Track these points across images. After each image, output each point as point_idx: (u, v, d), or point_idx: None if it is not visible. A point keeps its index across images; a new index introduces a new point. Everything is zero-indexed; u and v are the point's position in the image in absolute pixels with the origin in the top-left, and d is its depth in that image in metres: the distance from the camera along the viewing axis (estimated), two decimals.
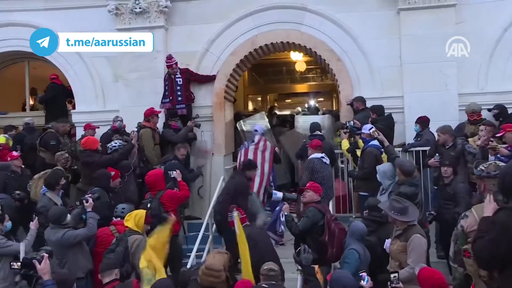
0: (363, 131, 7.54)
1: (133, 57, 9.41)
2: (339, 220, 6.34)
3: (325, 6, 9.11)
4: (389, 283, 4.62)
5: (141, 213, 5.89)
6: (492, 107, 8.20)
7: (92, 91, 9.80)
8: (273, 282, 4.54)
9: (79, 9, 9.80)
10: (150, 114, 8.70)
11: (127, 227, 5.76)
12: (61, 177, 7.02)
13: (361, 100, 8.61)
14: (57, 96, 9.95)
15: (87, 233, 6.01)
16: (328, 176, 7.36)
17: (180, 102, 9.11)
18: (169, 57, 9.18)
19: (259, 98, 14.67)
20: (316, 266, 5.52)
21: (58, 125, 8.96)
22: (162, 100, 9.17)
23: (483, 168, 4.58)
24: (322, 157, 7.33)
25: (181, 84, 9.11)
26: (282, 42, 9.37)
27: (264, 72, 13.66)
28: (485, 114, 8.11)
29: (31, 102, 11.24)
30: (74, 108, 10.13)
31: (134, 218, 5.78)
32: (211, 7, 9.44)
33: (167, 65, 9.18)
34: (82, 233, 5.96)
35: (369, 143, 7.32)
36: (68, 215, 6.05)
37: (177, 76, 9.13)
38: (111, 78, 9.74)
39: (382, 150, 7.26)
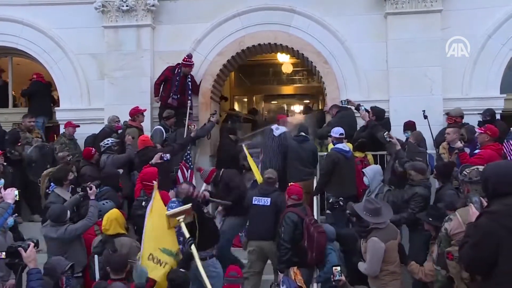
0: (331, 134, 7.60)
1: (119, 55, 9.34)
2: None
3: (313, 9, 9.14)
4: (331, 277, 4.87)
5: (116, 214, 5.71)
6: (481, 112, 8.18)
7: (77, 89, 9.67)
8: None
9: (64, 5, 9.71)
10: (135, 113, 8.59)
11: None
12: (69, 171, 7.02)
13: (335, 106, 8.62)
14: (39, 91, 9.83)
15: (87, 224, 5.92)
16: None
17: (185, 104, 8.86)
18: (190, 56, 8.97)
19: (245, 99, 14.67)
20: (295, 268, 5.54)
21: (22, 121, 8.88)
22: (171, 95, 8.83)
23: (466, 173, 4.63)
24: None
25: (190, 88, 8.99)
26: (269, 43, 9.36)
27: (251, 73, 13.64)
28: (469, 120, 8.16)
29: None
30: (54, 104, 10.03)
31: (116, 219, 5.65)
32: (199, 6, 9.39)
33: (185, 63, 8.90)
34: (82, 225, 5.89)
35: (334, 147, 7.40)
36: (68, 211, 5.98)
37: (188, 78, 8.97)
38: (97, 76, 9.63)
39: (347, 154, 7.25)
